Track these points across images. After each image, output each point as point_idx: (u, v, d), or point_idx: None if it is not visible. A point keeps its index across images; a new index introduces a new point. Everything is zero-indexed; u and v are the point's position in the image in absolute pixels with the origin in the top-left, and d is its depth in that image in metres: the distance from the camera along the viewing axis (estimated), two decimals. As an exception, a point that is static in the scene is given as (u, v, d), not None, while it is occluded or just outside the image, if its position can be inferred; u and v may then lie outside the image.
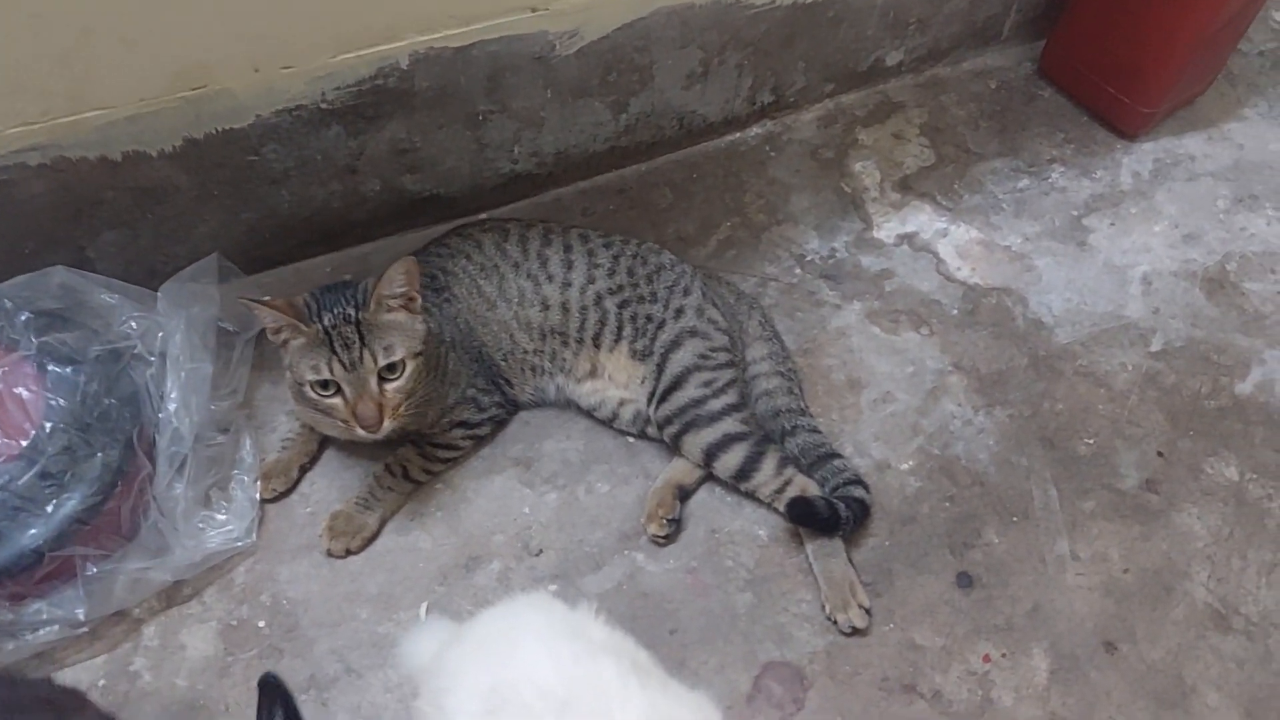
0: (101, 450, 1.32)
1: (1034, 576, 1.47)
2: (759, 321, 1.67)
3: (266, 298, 1.34)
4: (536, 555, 1.48)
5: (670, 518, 1.48)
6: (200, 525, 1.41)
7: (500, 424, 1.60)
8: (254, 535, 1.45)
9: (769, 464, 1.49)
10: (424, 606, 1.42)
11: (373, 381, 1.34)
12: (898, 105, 2.11)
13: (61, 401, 1.32)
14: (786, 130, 2.04)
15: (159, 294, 1.48)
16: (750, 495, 1.51)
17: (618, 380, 1.58)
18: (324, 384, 1.33)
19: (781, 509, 1.48)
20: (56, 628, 1.32)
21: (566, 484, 1.56)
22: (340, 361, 1.31)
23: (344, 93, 1.56)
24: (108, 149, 1.45)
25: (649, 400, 1.55)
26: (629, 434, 1.60)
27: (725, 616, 1.43)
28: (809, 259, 1.85)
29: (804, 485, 1.49)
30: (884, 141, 2.04)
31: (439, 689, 1.01)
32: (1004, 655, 1.40)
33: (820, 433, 1.57)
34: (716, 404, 1.51)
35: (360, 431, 1.35)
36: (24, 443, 1.29)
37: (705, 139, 1.99)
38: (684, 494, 1.53)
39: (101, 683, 1.33)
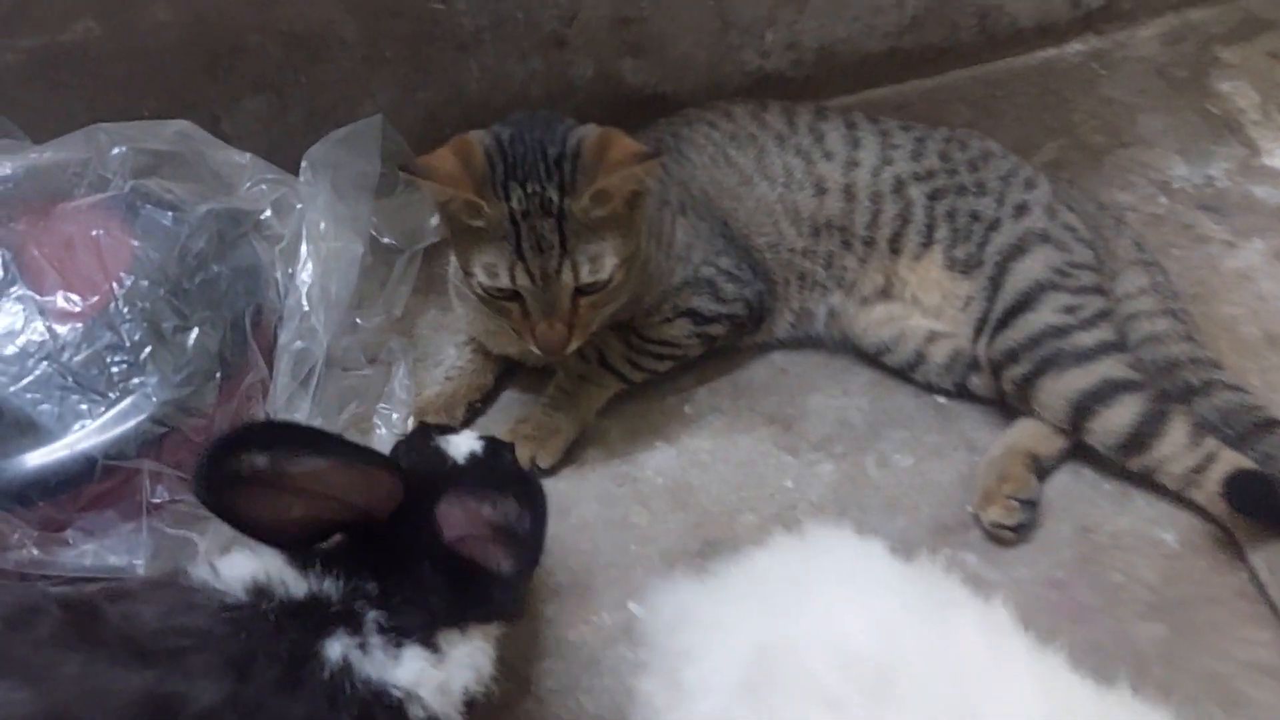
0: (199, 326, 0.91)
1: None
2: (1131, 242, 1.14)
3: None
4: (807, 546, 0.97)
5: (1022, 498, 0.95)
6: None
7: (740, 329, 1.10)
8: (401, 488, 1.01)
9: (1178, 427, 0.94)
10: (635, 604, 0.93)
11: (566, 299, 0.90)
12: (1268, 23, 1.58)
13: (152, 253, 0.92)
14: (1118, 47, 1.54)
15: (304, 159, 1.10)
16: (1146, 475, 0.97)
17: (925, 303, 1.08)
18: (500, 290, 0.91)
19: (1204, 498, 0.94)
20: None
21: (847, 453, 1.06)
22: (527, 270, 0.88)
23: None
24: (256, -36, 1.11)
25: (977, 331, 1.04)
26: (940, 389, 1.09)
27: (1123, 655, 0.88)
28: (1176, 187, 1.32)
29: (1237, 461, 0.93)
30: (1256, 60, 1.51)
31: (676, 655, 0.67)
32: None
33: (1248, 392, 1.01)
34: (1087, 338, 0.99)
35: (535, 350, 0.93)
36: (93, 298, 0.89)
37: (1010, 52, 1.51)
38: (1039, 469, 0.99)
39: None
